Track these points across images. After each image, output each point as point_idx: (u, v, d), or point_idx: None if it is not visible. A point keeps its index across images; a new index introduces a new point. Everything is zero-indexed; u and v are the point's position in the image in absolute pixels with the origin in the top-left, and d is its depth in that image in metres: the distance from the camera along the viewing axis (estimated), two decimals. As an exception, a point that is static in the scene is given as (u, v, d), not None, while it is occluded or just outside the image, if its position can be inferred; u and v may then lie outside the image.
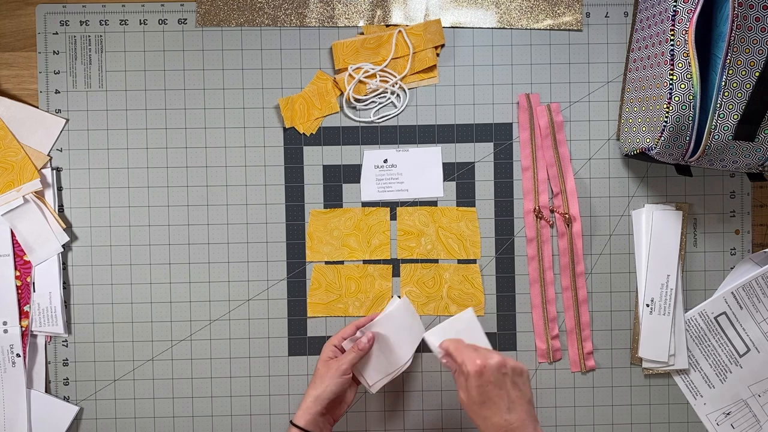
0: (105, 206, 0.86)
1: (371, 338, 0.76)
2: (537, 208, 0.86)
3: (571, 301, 0.86)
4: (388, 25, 0.86)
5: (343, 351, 0.77)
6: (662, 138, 0.73)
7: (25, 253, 0.84)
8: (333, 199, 0.87)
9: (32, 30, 0.85)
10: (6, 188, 0.84)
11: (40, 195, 0.85)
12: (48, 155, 0.85)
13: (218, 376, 0.87)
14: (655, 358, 0.85)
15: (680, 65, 0.71)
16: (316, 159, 0.87)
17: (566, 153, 0.86)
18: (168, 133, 0.86)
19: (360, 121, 0.87)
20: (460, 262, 0.87)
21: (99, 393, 0.86)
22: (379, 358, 0.77)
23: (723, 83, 0.70)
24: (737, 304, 0.85)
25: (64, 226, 0.85)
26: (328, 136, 0.87)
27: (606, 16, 0.87)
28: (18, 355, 0.84)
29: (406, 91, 0.87)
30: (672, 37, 0.72)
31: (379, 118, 0.87)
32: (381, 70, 0.86)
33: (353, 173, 0.87)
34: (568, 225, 0.86)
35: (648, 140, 0.77)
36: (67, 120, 0.86)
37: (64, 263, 0.86)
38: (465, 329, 0.73)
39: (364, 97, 0.86)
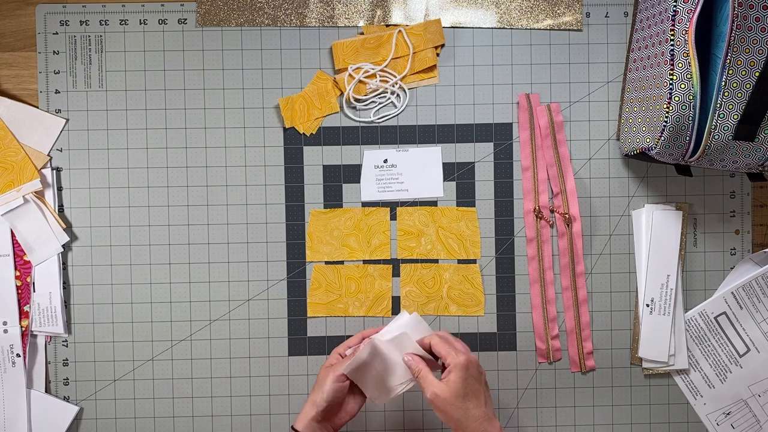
0: (105, 206, 0.86)
1: (369, 346, 0.72)
2: (537, 208, 0.86)
3: (571, 301, 0.86)
4: (388, 25, 0.86)
5: None
6: (662, 138, 0.73)
7: (25, 253, 0.84)
8: (333, 199, 0.87)
9: (32, 30, 0.86)
10: (6, 188, 0.84)
11: (40, 195, 0.85)
12: (48, 155, 0.85)
13: (218, 376, 0.87)
14: (655, 358, 0.85)
15: (680, 65, 0.71)
16: (316, 159, 0.87)
17: (566, 153, 0.86)
18: (168, 133, 0.86)
19: (360, 121, 0.87)
20: (460, 262, 0.87)
21: (99, 393, 0.86)
22: (380, 373, 0.74)
23: (723, 83, 0.70)
24: (737, 304, 0.85)
25: (64, 226, 0.85)
26: (328, 136, 0.87)
27: (606, 16, 0.87)
28: (18, 355, 0.84)
29: (406, 91, 0.87)
30: (672, 37, 0.72)
31: (379, 118, 0.87)
32: (381, 70, 0.86)
33: (353, 173, 0.87)
34: (568, 225, 0.86)
35: (648, 140, 0.77)
36: (67, 120, 0.86)
37: (64, 263, 0.86)
38: (414, 330, 0.74)
39: (364, 97, 0.86)
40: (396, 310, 0.87)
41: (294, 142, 0.87)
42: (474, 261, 0.87)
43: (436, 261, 0.87)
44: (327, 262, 0.87)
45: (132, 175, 0.86)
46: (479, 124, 0.87)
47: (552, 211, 0.87)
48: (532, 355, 0.87)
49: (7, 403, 0.84)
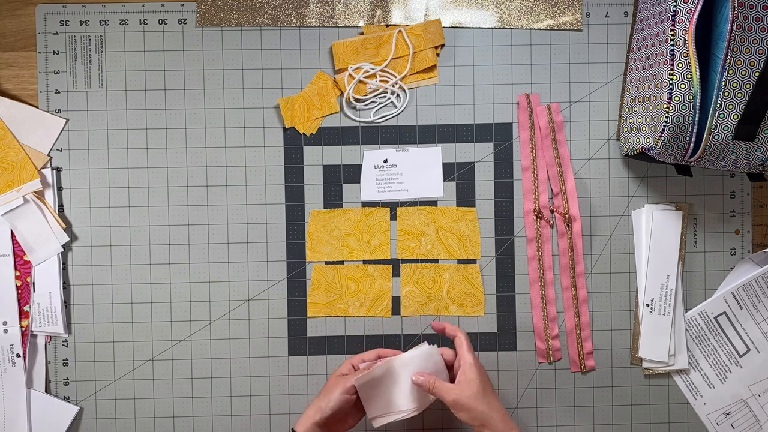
0: (105, 206, 0.86)
1: (387, 365, 0.74)
2: (537, 208, 0.86)
3: (571, 301, 0.86)
4: (388, 25, 0.86)
5: None
6: (662, 138, 0.73)
7: (25, 253, 0.84)
8: (333, 199, 0.87)
9: (32, 30, 0.85)
10: (6, 188, 0.84)
11: (40, 195, 0.85)
12: (48, 155, 0.85)
13: (218, 376, 0.87)
14: (655, 358, 0.85)
15: (680, 65, 0.71)
16: (316, 159, 0.87)
17: (566, 153, 0.86)
18: (168, 133, 0.86)
19: (360, 121, 0.87)
20: (460, 262, 0.87)
21: (99, 393, 0.86)
22: (387, 395, 0.75)
23: (723, 83, 0.70)
24: (737, 304, 0.85)
25: (64, 226, 0.85)
26: (328, 136, 0.87)
27: (606, 16, 0.87)
28: (18, 355, 0.84)
29: (406, 91, 0.87)
30: (672, 37, 0.72)
31: (379, 118, 0.87)
32: (381, 70, 0.86)
33: (353, 173, 0.87)
34: (568, 225, 0.86)
35: (648, 140, 0.77)
36: (67, 120, 0.86)
37: (64, 263, 0.86)
38: (432, 362, 0.75)
39: (364, 97, 0.86)
40: (396, 310, 0.87)
41: (294, 142, 0.87)
42: (474, 261, 0.87)
43: (436, 261, 0.87)
44: (327, 262, 0.87)
45: (132, 175, 0.86)
46: (479, 124, 0.87)
47: (552, 211, 0.87)
48: (532, 355, 0.87)
49: (7, 403, 0.84)
